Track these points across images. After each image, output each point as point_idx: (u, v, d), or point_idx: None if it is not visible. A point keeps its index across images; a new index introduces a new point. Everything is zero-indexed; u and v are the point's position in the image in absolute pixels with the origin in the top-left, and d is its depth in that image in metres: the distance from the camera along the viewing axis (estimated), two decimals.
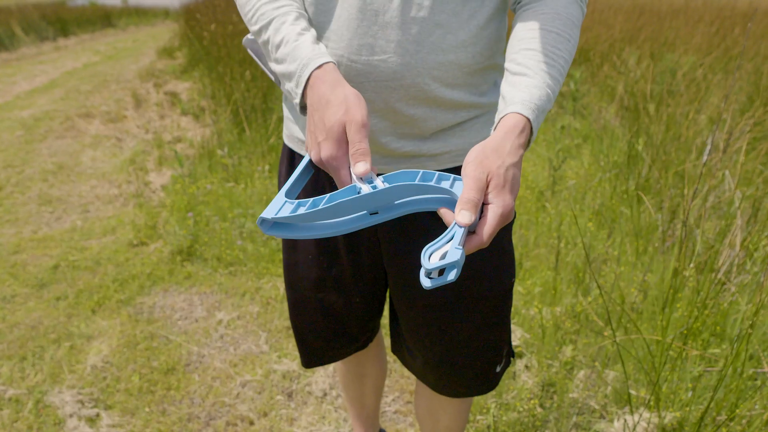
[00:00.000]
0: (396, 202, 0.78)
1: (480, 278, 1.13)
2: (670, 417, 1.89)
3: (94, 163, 4.77)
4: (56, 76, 8.73)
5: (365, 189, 0.76)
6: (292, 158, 1.18)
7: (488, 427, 1.89)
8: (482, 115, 1.08)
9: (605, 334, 2.24)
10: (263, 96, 4.70)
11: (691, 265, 2.39)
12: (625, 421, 1.84)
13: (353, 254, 1.19)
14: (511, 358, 1.34)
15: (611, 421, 1.94)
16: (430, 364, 1.26)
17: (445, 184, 0.76)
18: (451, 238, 0.69)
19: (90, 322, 2.70)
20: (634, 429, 1.80)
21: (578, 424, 1.92)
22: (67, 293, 2.96)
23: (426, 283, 0.67)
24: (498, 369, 1.28)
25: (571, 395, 1.99)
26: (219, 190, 3.68)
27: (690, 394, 1.96)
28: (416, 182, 0.76)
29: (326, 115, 0.83)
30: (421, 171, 0.78)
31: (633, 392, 1.99)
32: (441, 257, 0.67)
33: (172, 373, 2.30)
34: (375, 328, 1.46)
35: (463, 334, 1.19)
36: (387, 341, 2.11)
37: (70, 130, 5.72)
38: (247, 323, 2.56)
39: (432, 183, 0.76)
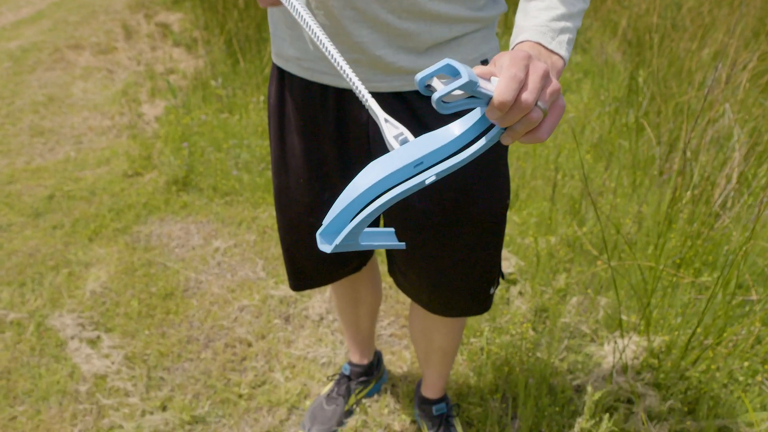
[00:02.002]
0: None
1: (475, 199, 1.12)
2: (658, 341, 1.94)
3: (85, 95, 4.68)
4: (43, 7, 8.45)
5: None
6: (281, 77, 1.15)
7: (481, 349, 1.93)
8: (479, 30, 1.05)
9: (599, 263, 2.27)
10: (257, 26, 4.57)
11: (687, 194, 2.39)
12: (615, 344, 1.88)
13: (346, 177, 1.17)
14: (501, 279, 1.35)
15: (602, 344, 1.99)
16: (424, 285, 1.27)
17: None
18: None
19: (87, 249, 2.71)
20: (623, 352, 1.85)
21: (569, 348, 1.97)
22: (64, 222, 2.96)
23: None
24: (491, 290, 1.30)
25: (563, 320, 2.03)
26: (213, 121, 3.63)
27: (679, 319, 2.00)
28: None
29: None
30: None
31: (624, 317, 2.03)
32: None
33: (171, 298, 2.32)
34: (368, 253, 1.46)
35: (458, 256, 1.19)
36: (383, 268, 2.13)
37: (60, 61, 5.58)
38: (243, 251, 2.58)
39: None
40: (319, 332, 2.10)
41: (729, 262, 2.02)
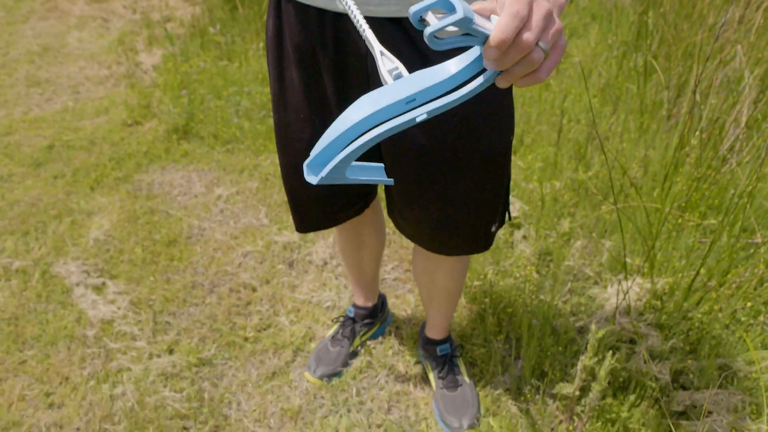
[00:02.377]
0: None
1: (478, 135, 1.10)
2: (662, 283, 1.94)
3: (81, 45, 4.58)
4: None
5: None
6: (278, 7, 1.10)
7: (485, 292, 1.93)
8: None
9: (603, 208, 2.25)
10: None
11: (695, 138, 2.35)
12: (619, 286, 1.88)
13: None
14: (508, 219, 1.33)
15: (605, 287, 1.99)
16: (425, 224, 1.25)
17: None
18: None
19: (89, 198, 2.70)
20: (626, 293, 1.85)
21: (573, 290, 1.97)
22: (64, 172, 2.94)
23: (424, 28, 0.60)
24: (493, 228, 1.28)
25: (567, 263, 2.03)
26: (212, 68, 3.56)
27: (683, 262, 2.00)
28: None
29: None
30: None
31: (628, 260, 2.03)
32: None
33: (174, 245, 2.32)
34: (371, 193, 1.44)
35: (460, 193, 1.17)
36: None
37: (53, 10, 5.46)
38: (246, 198, 2.57)
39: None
40: (323, 277, 2.11)
41: (734, 204, 2.00)
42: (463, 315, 1.91)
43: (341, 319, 1.83)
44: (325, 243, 2.24)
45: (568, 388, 1.55)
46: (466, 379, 1.69)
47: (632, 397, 1.61)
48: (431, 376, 1.70)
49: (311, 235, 2.29)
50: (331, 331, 1.83)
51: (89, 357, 1.85)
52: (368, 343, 1.82)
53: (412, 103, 0.62)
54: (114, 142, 3.16)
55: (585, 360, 1.48)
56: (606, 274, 2.02)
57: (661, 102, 2.81)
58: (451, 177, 1.14)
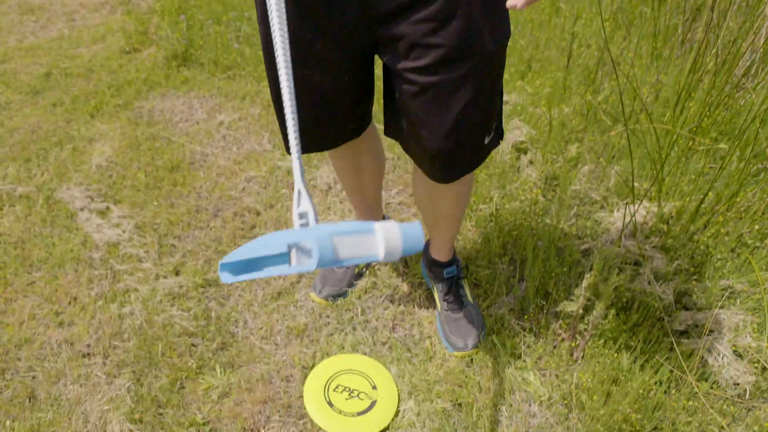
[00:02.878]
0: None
1: (479, 29, 1.07)
2: (669, 207, 1.92)
3: None
4: None
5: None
6: None
7: (490, 215, 1.93)
8: None
9: (612, 133, 2.21)
10: None
11: (710, 62, 2.29)
12: (626, 209, 1.87)
13: (335, 25, 1.10)
14: (501, 136, 1.31)
15: (612, 211, 1.98)
16: (426, 140, 1.22)
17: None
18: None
19: (89, 126, 2.67)
20: (633, 217, 1.84)
21: (579, 214, 1.96)
22: (63, 99, 2.89)
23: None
24: (486, 141, 1.26)
25: (573, 188, 2.01)
26: None
27: (691, 187, 1.98)
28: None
29: None
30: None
31: (636, 185, 2.01)
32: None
33: (177, 170, 2.31)
34: (365, 116, 1.39)
35: (460, 100, 1.14)
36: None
37: None
38: (248, 124, 2.53)
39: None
40: (328, 201, 2.10)
41: (747, 129, 1.96)
42: (468, 237, 1.91)
43: None
44: (329, 168, 2.22)
45: (571, 306, 1.56)
46: (470, 300, 1.70)
47: (635, 317, 1.62)
48: (436, 296, 1.71)
49: (315, 159, 2.27)
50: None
51: (96, 278, 1.86)
52: (373, 264, 1.83)
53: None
54: (112, 69, 3.10)
55: (590, 278, 1.49)
56: (612, 199, 2.00)
57: (676, 26, 2.72)
58: (452, 83, 1.11)
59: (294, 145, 0.82)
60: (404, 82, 1.13)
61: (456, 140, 1.18)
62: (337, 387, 1.50)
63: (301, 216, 0.80)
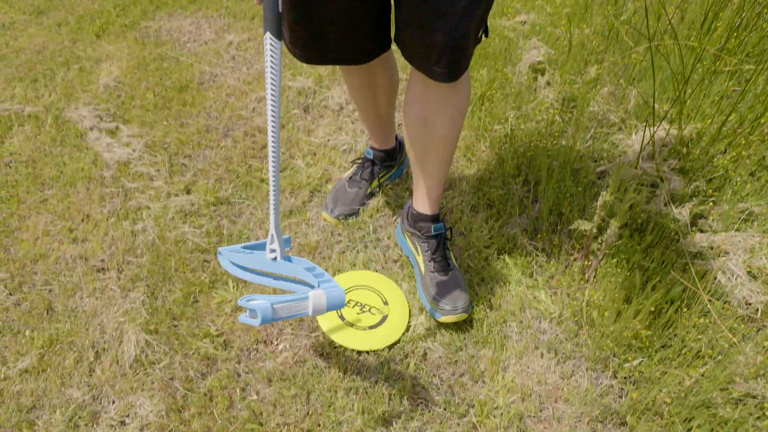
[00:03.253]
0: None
1: None
2: (689, 128, 1.87)
3: None
4: None
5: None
6: None
7: (505, 135, 1.89)
8: None
9: (633, 55, 2.13)
10: None
11: None
12: (646, 129, 1.82)
13: None
14: (484, 36, 1.28)
15: (630, 133, 1.93)
16: (433, 47, 1.19)
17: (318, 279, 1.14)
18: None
19: (96, 46, 2.61)
20: (652, 137, 1.79)
21: (596, 136, 1.92)
22: (68, 19, 2.82)
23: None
24: (479, 34, 1.25)
25: (591, 109, 1.96)
26: None
27: (714, 110, 1.92)
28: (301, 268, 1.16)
29: None
30: (312, 264, 1.19)
31: (656, 106, 1.95)
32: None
33: (186, 90, 2.27)
34: (388, 33, 1.36)
35: (460, 12, 1.12)
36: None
37: None
38: (258, 44, 2.46)
39: (311, 274, 1.15)
40: (339, 121, 2.06)
41: None
42: (482, 159, 1.88)
43: (359, 161, 1.81)
44: (341, 89, 2.17)
45: (585, 225, 1.54)
46: (455, 263, 1.56)
47: (649, 238, 1.61)
48: (419, 259, 1.55)
49: (326, 80, 2.22)
50: (348, 173, 1.82)
51: (108, 196, 1.86)
52: (385, 184, 1.81)
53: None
54: None
55: (606, 196, 1.46)
56: (631, 121, 1.95)
57: None
58: None
59: (273, 197, 1.13)
60: None
61: (464, 31, 1.16)
62: (349, 302, 1.51)
63: (272, 251, 1.18)
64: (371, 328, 1.46)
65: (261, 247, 1.24)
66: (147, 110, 2.19)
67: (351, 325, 1.47)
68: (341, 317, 1.48)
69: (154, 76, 2.35)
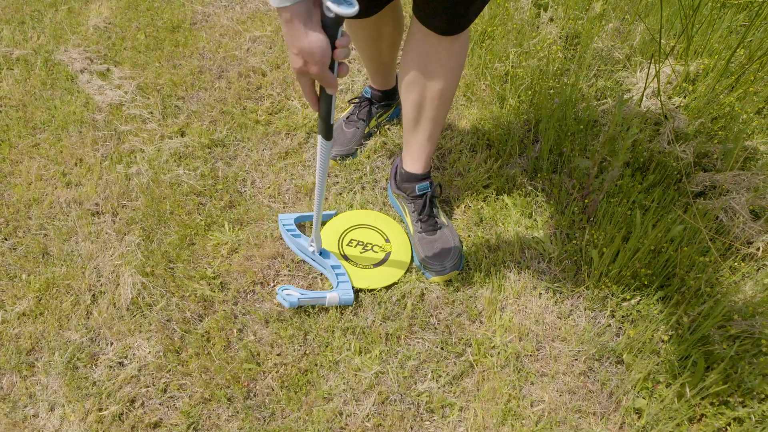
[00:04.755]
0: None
1: None
2: (695, 65, 1.81)
3: None
4: None
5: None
6: None
7: (506, 74, 1.83)
8: None
9: None
10: None
11: None
12: (650, 68, 1.77)
13: None
14: None
15: (635, 71, 1.87)
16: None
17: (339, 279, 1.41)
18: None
19: None
20: (657, 74, 1.74)
21: (599, 74, 1.86)
22: None
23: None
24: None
25: (595, 45, 1.89)
26: None
27: (722, 47, 1.85)
28: (330, 266, 1.43)
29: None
30: (338, 264, 1.45)
31: (663, 42, 1.88)
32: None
33: (178, 30, 2.20)
34: None
35: None
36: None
37: None
38: None
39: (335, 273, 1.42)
40: None
41: None
42: (482, 99, 1.83)
43: (356, 100, 1.76)
44: None
45: (586, 164, 1.51)
46: (444, 220, 1.52)
47: (652, 177, 1.58)
48: (408, 219, 1.54)
49: None
50: (345, 113, 1.78)
51: (101, 139, 1.83)
52: (383, 124, 1.77)
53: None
54: None
55: (608, 131, 1.43)
56: (636, 58, 1.89)
57: None
58: None
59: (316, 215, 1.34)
60: None
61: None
62: (350, 241, 1.50)
63: (311, 245, 1.44)
64: (376, 266, 1.45)
65: (308, 218, 1.57)
66: (138, 51, 2.13)
67: (355, 264, 1.45)
68: (345, 257, 1.47)
69: (145, 17, 2.28)
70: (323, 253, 1.46)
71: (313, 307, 1.38)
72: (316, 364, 1.29)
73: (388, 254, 1.47)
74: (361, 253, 1.48)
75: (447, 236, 1.47)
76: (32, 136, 1.87)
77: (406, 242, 1.51)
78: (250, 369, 1.27)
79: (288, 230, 1.51)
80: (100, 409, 1.23)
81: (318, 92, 1.01)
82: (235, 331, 1.34)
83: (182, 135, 1.82)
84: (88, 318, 1.38)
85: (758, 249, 1.45)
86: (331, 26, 0.89)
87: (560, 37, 1.94)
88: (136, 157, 1.76)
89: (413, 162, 1.48)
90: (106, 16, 2.32)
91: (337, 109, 1.86)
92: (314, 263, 1.47)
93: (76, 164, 1.77)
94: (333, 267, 1.43)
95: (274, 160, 1.72)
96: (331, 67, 0.93)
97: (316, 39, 0.88)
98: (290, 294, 1.37)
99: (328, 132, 1.09)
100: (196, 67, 2.03)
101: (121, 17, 2.29)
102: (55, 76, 2.08)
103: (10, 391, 1.27)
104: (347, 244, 1.50)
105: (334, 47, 0.91)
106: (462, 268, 1.45)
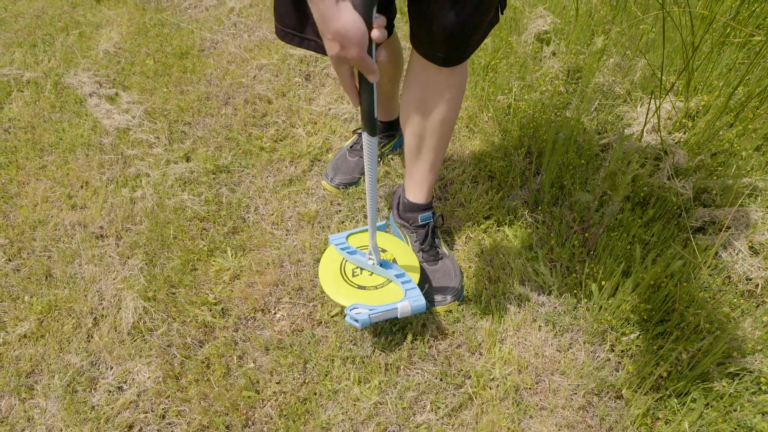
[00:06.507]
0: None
1: None
2: (696, 101, 1.84)
3: None
4: None
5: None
6: None
7: (508, 106, 1.86)
8: None
9: (642, 26, 2.08)
10: None
11: None
12: (651, 101, 1.79)
13: None
14: (501, 14, 1.24)
15: (635, 105, 1.90)
16: (443, 33, 1.15)
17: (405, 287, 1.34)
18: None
19: (95, 11, 2.57)
20: (658, 109, 1.76)
21: (600, 108, 1.89)
22: None
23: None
24: (492, 13, 1.19)
25: (596, 80, 1.92)
26: None
27: (722, 83, 1.88)
28: (393, 275, 1.37)
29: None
30: (402, 272, 1.37)
31: (663, 77, 1.91)
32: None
33: (187, 57, 2.23)
34: (390, 23, 1.30)
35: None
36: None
37: None
38: (260, 11, 2.42)
39: (400, 281, 1.35)
40: (341, 90, 2.03)
41: None
42: (485, 130, 1.85)
43: (360, 130, 1.78)
44: None
45: (587, 197, 1.53)
46: (446, 250, 1.53)
47: (651, 212, 1.59)
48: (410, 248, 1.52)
49: None
50: (349, 142, 1.80)
51: (107, 163, 1.85)
52: (386, 154, 1.80)
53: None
54: None
55: (608, 166, 1.45)
56: (637, 93, 1.92)
57: None
58: None
59: (370, 223, 1.25)
60: None
61: (478, 18, 1.12)
62: (353, 271, 1.42)
63: (370, 258, 1.36)
64: (376, 288, 1.36)
65: (358, 232, 1.50)
66: (147, 77, 2.16)
67: (361, 287, 1.37)
68: (345, 279, 1.39)
69: (155, 42, 2.32)
70: (384, 264, 1.37)
71: (312, 335, 1.38)
72: (315, 393, 1.29)
73: (394, 261, 1.42)
74: (370, 276, 1.40)
75: (448, 267, 1.48)
76: (40, 158, 1.89)
77: (415, 261, 1.45)
78: (249, 397, 1.27)
79: (343, 248, 1.42)
80: None
81: (357, 84, 0.95)
82: (235, 357, 1.35)
83: (187, 160, 1.84)
84: (89, 341, 1.39)
85: (757, 286, 1.46)
86: (365, 5, 0.82)
87: (562, 71, 1.97)
88: (141, 181, 1.78)
89: (416, 192, 1.48)
90: (117, 41, 2.36)
91: (341, 138, 1.88)
92: (376, 269, 1.38)
93: (82, 187, 1.79)
94: (397, 276, 1.35)
95: (278, 188, 1.73)
96: (369, 52, 0.87)
97: (351, 18, 0.82)
98: (359, 312, 1.26)
99: (372, 127, 0.99)
100: (203, 93, 2.06)
101: (131, 43, 2.34)
102: (64, 99, 2.12)
103: (8, 414, 1.27)
104: (353, 276, 1.41)
105: (370, 28, 0.85)
106: (462, 299, 1.46)
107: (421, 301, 1.28)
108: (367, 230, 1.47)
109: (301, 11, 1.21)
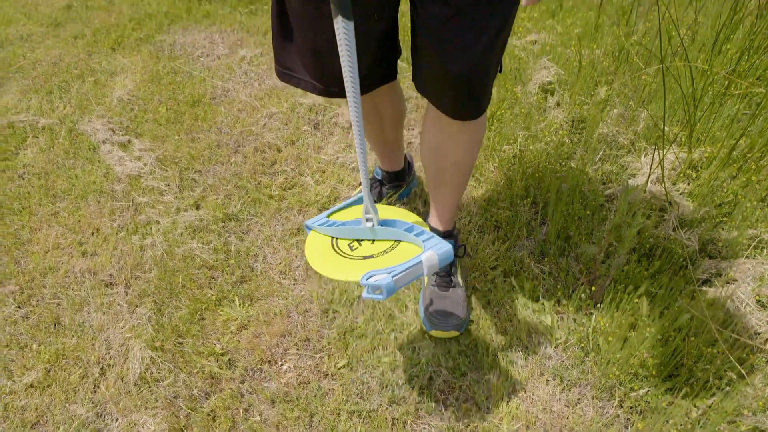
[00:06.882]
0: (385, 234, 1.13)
1: None
2: (699, 153, 1.86)
3: None
4: None
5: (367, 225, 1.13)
6: None
7: (514, 156, 1.89)
8: None
9: (644, 77, 2.13)
10: None
11: (753, 1, 2.17)
12: (655, 152, 1.82)
13: None
14: (499, 71, 1.27)
15: (639, 156, 1.92)
16: (449, 79, 1.18)
17: (421, 238, 1.08)
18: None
19: (111, 59, 2.64)
20: (661, 161, 1.78)
21: (604, 158, 1.91)
22: (84, 32, 2.86)
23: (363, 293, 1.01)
24: (494, 70, 1.22)
25: (600, 131, 1.95)
26: None
27: (724, 134, 1.91)
28: (402, 230, 1.11)
29: None
30: (410, 224, 1.14)
31: (666, 129, 1.94)
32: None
33: (198, 105, 2.29)
34: (392, 65, 1.34)
35: (493, 24, 1.10)
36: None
37: None
38: (270, 60, 2.48)
39: (412, 235, 1.10)
40: (349, 138, 2.07)
41: None
42: (491, 180, 1.87)
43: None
44: None
45: (592, 250, 1.54)
46: (460, 281, 1.55)
47: (657, 263, 1.60)
48: None
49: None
50: (357, 191, 1.82)
51: (118, 210, 1.88)
52: (394, 203, 1.82)
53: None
54: (133, 2, 3.05)
55: (614, 219, 1.46)
56: (640, 143, 1.95)
57: None
58: (488, 4, 1.06)
59: (363, 177, 1.07)
60: (441, 3, 1.07)
61: (484, 65, 1.14)
62: (350, 244, 1.16)
63: (368, 220, 1.12)
64: (386, 252, 1.11)
65: (356, 203, 1.27)
66: (159, 124, 2.21)
67: (367, 257, 1.10)
68: (344, 255, 1.13)
69: (167, 90, 2.38)
70: (386, 223, 1.12)
71: (319, 387, 1.38)
72: None
73: (391, 247, 1.16)
74: (372, 244, 1.15)
75: (458, 296, 1.50)
76: (52, 204, 1.93)
77: (389, 207, 1.29)
78: None
79: (329, 225, 1.17)
80: None
81: None
82: (241, 410, 1.34)
83: (197, 208, 1.86)
84: (95, 392, 1.39)
85: (766, 341, 1.45)
86: None
87: (566, 122, 2.00)
88: (151, 228, 1.80)
89: (437, 219, 1.54)
90: (131, 88, 2.42)
91: (348, 187, 1.91)
92: (378, 235, 1.10)
93: (92, 234, 1.81)
94: (407, 231, 1.11)
95: (286, 236, 1.75)
96: None
97: None
98: (378, 279, 0.99)
99: (346, 8, 0.84)
100: (213, 142, 2.10)
101: (145, 90, 2.39)
102: (78, 145, 2.16)
103: None
104: (351, 250, 1.14)
105: None
106: (463, 332, 1.46)
107: (445, 246, 1.05)
108: (346, 207, 1.23)
109: (296, 52, 1.25)
